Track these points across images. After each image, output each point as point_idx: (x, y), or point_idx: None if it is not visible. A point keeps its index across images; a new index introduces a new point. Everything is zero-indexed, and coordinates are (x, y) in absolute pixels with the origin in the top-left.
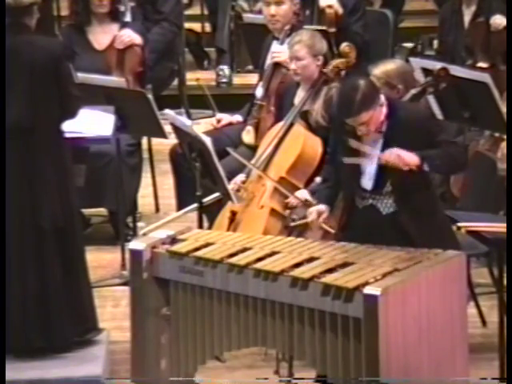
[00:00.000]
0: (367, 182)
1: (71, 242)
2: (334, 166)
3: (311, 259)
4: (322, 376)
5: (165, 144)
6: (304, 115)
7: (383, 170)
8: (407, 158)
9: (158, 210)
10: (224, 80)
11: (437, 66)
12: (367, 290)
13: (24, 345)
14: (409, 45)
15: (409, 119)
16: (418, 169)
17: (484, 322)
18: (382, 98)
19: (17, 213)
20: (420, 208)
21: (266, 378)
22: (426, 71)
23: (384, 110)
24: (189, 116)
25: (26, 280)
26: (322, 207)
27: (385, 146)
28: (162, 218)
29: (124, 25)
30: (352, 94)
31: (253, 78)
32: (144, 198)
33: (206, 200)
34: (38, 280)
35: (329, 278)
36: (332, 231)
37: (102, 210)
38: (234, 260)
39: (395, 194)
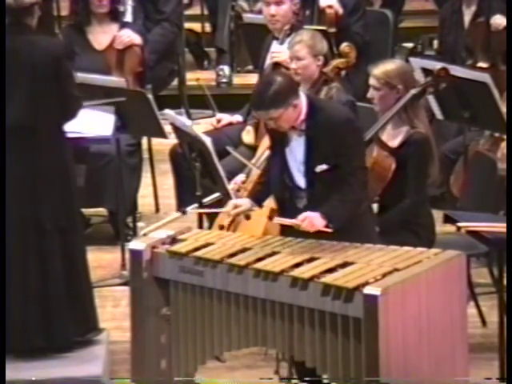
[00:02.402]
0: (301, 180)
1: (72, 242)
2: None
3: (311, 259)
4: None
5: (165, 144)
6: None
7: (311, 174)
8: (317, 223)
9: (157, 210)
10: (224, 80)
11: (437, 66)
12: (367, 290)
13: (25, 345)
14: (409, 45)
15: (327, 120)
16: (327, 228)
17: (484, 322)
18: (301, 98)
19: (18, 213)
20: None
21: (266, 378)
22: (426, 71)
23: (304, 109)
24: (189, 116)
25: (27, 280)
26: (242, 202)
27: (307, 145)
28: (162, 218)
29: (124, 25)
30: (265, 88)
31: (253, 78)
32: (144, 198)
33: (205, 200)
34: (39, 280)
35: (329, 278)
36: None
37: (102, 210)
38: (234, 260)
39: (308, 195)
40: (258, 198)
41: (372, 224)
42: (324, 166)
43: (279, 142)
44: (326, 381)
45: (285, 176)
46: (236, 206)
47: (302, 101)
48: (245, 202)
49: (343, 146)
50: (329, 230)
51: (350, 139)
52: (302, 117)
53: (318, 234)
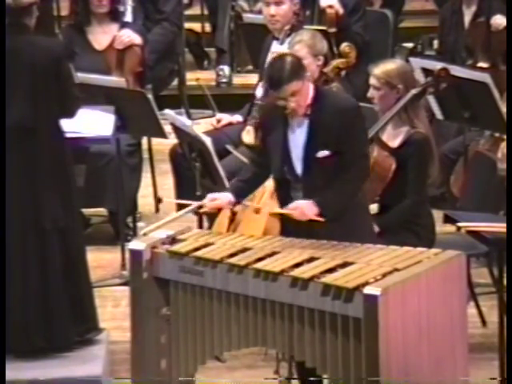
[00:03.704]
0: (299, 168)
1: (72, 242)
2: (258, 163)
3: (311, 259)
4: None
5: (165, 144)
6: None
7: (311, 160)
8: (308, 212)
9: (157, 210)
10: (224, 80)
11: (437, 66)
12: (367, 290)
13: (25, 345)
14: (409, 45)
15: (333, 106)
16: (320, 216)
17: (484, 322)
18: (308, 75)
19: (18, 213)
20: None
21: (266, 378)
22: (426, 71)
23: (311, 93)
24: (189, 116)
25: (28, 280)
26: (220, 195)
27: (310, 130)
28: (161, 218)
29: (124, 25)
30: (281, 64)
31: (253, 78)
32: (144, 198)
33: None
34: (40, 280)
35: (329, 278)
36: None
37: (102, 210)
38: (234, 260)
39: (304, 182)
40: (237, 194)
41: (369, 222)
42: (326, 152)
43: (279, 131)
44: (326, 381)
45: (285, 165)
46: (213, 200)
47: (309, 85)
48: (223, 196)
49: (348, 132)
50: (321, 220)
51: (355, 126)
52: (308, 101)
53: (311, 224)
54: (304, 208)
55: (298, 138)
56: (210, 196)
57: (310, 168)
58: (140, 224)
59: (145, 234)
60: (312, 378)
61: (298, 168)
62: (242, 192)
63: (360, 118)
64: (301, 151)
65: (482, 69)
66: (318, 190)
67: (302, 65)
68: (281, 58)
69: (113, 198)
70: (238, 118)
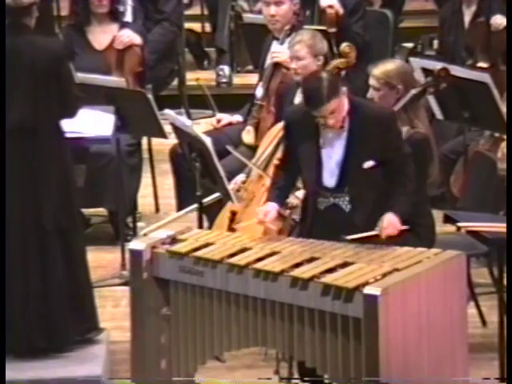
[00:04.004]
0: (329, 180)
1: (73, 242)
2: (289, 168)
3: (311, 259)
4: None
5: (165, 144)
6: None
7: (346, 168)
8: (397, 224)
9: (157, 210)
10: (224, 80)
11: (437, 66)
12: (367, 290)
13: (25, 345)
14: (409, 45)
15: (371, 116)
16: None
17: (484, 322)
18: (344, 89)
19: (19, 213)
20: (373, 207)
21: (266, 378)
22: (426, 71)
23: (346, 106)
24: (189, 116)
25: (28, 280)
26: (269, 206)
27: (348, 143)
28: (162, 218)
29: (124, 25)
30: (319, 84)
31: (253, 78)
32: (144, 198)
33: (205, 200)
34: (40, 280)
35: (329, 278)
36: (274, 228)
37: (102, 210)
38: (234, 260)
39: (351, 193)
40: (280, 201)
41: None
42: (371, 162)
43: (311, 142)
44: (326, 381)
45: (317, 176)
46: (266, 213)
47: (345, 98)
48: (271, 207)
49: (392, 139)
50: (406, 228)
51: (396, 132)
52: (344, 113)
53: (399, 236)
54: (392, 221)
55: (333, 150)
56: (261, 211)
57: (354, 179)
58: (140, 224)
59: (145, 234)
60: (314, 378)
61: (330, 179)
62: (284, 198)
63: (396, 121)
64: (337, 163)
65: (481, 69)
66: (364, 200)
67: (339, 81)
68: (316, 76)
69: (113, 198)
70: (237, 117)
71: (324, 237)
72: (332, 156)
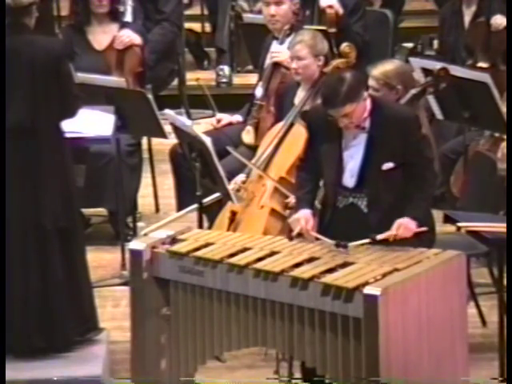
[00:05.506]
0: (349, 180)
1: (72, 242)
2: (312, 169)
3: (311, 259)
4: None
5: (165, 144)
6: (304, 115)
7: (365, 168)
8: (412, 227)
9: (157, 210)
10: (224, 80)
11: (437, 66)
12: (367, 290)
13: (25, 345)
14: (409, 45)
15: (393, 117)
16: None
17: (484, 322)
18: (366, 93)
19: (18, 213)
20: (390, 209)
21: (266, 378)
22: (426, 71)
23: (368, 106)
24: (189, 116)
25: (28, 280)
26: (307, 213)
27: (369, 143)
28: (162, 218)
29: (124, 25)
30: (338, 85)
31: (253, 78)
32: (144, 198)
33: (205, 200)
34: (40, 280)
35: (329, 278)
36: (315, 235)
37: (102, 210)
38: (234, 260)
39: (369, 194)
40: (311, 205)
41: None
42: (390, 164)
43: (334, 142)
44: (327, 381)
45: (338, 176)
46: (307, 220)
47: (366, 101)
48: (305, 213)
49: (413, 142)
50: (424, 229)
51: (418, 135)
52: (365, 114)
53: (415, 238)
54: (406, 224)
55: (354, 151)
56: (301, 218)
57: (373, 181)
58: (140, 224)
59: (145, 234)
60: (315, 378)
61: (350, 179)
62: (313, 201)
63: (419, 124)
64: (358, 163)
65: (481, 69)
66: (382, 202)
67: (359, 85)
68: (339, 75)
69: (113, 198)
70: (237, 117)
71: (340, 234)
72: (354, 156)
